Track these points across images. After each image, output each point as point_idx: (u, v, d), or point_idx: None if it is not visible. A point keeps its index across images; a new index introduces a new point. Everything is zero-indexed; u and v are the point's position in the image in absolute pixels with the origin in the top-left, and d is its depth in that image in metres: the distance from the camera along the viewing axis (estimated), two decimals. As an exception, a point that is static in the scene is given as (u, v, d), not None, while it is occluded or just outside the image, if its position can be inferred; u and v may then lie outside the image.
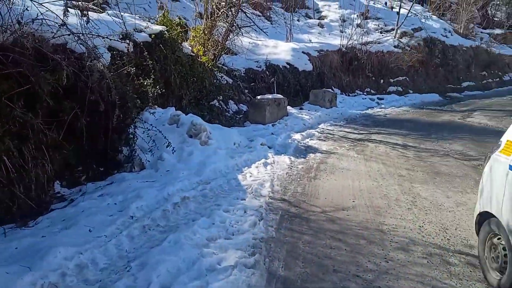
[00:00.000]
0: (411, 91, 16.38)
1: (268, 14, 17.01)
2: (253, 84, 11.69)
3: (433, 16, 19.94)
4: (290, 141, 7.66)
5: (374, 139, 8.52)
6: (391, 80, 16.15)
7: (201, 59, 8.50)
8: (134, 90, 5.34)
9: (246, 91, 11.38)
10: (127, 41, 5.99)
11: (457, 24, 20.46)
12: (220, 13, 8.87)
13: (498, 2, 24.41)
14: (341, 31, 16.22)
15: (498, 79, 19.54)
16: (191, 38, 8.99)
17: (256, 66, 12.21)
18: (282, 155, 6.65)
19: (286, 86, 12.40)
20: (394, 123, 10.73)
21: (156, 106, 6.55)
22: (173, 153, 5.59)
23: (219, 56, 9.60)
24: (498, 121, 10.81)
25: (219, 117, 9.46)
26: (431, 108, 13.84)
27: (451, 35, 18.57)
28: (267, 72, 12.23)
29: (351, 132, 9.25)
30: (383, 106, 13.79)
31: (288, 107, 10.38)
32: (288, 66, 12.80)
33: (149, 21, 7.55)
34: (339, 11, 18.22)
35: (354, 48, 15.32)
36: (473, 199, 4.38)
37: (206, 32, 8.93)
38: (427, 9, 21.04)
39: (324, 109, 11.43)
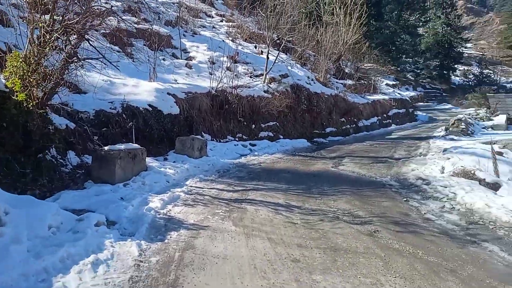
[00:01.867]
0: (281, 136, 15.56)
1: (130, 50, 14.76)
2: (105, 129, 9.17)
3: (297, 64, 20.10)
4: (145, 211, 5.42)
5: (253, 199, 6.81)
6: (262, 125, 15.12)
7: (17, 96, 5.84)
8: None
9: (96, 137, 8.82)
10: None
11: (317, 74, 20.97)
12: (52, 38, 6.40)
13: (349, 58, 26.23)
14: (211, 73, 14.78)
15: (354, 125, 20.34)
16: (8, 68, 6.28)
17: (110, 108, 9.74)
18: (129, 239, 4.37)
19: (148, 132, 10.15)
20: (270, 174, 9.30)
21: None
22: None
23: (53, 94, 6.99)
24: (368, 169, 10.21)
25: (50, 175, 6.74)
26: (303, 155, 12.98)
27: (314, 83, 18.78)
28: (124, 115, 9.85)
29: (225, 190, 7.41)
30: (256, 153, 12.45)
31: (148, 159, 8.14)
32: (150, 109, 10.61)
33: None
34: (208, 53, 16.89)
35: (225, 91, 13.93)
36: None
37: (32, 61, 6.34)
38: (290, 57, 21.23)
39: (193, 159, 9.46)
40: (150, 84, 11.79)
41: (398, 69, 45.15)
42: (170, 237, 4.70)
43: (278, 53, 17.69)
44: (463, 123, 15.89)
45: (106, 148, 7.11)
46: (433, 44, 48.26)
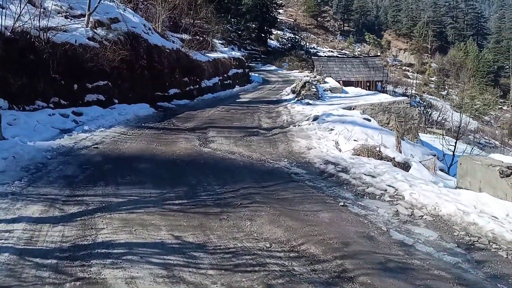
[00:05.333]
0: (116, 101, 11.44)
1: None
2: None
3: (128, 9, 15.57)
4: None
5: (109, 244, 3.32)
6: (89, 86, 10.66)
7: None
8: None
9: None
10: None
11: (152, 24, 16.89)
12: None
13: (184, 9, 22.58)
14: (1, 6, 9.36)
15: (197, 86, 17.39)
16: None
17: None
18: None
19: None
20: (120, 168, 5.70)
21: None
22: None
23: None
24: (248, 148, 7.63)
25: None
26: (153, 127, 9.47)
27: (152, 33, 14.82)
28: None
29: (45, 221, 3.62)
30: (86, 127, 8.33)
31: None
32: None
33: None
34: (-5, -24, 10.98)
35: (28, 35, 8.93)
36: None
37: None
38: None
39: (-28, 150, 5.03)
40: None
41: (222, 28, 43.60)
42: None
43: (105, -11, 12.97)
44: (313, 87, 14.85)
45: None
46: (252, 7, 48.26)
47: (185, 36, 21.10)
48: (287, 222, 4.05)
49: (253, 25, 50.65)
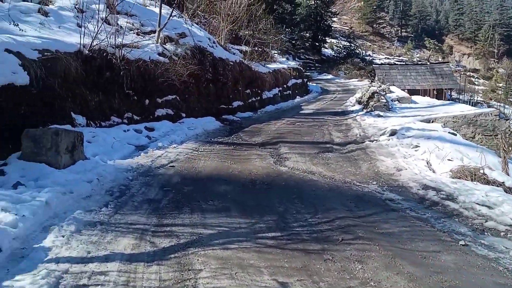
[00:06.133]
0: (184, 115, 11.37)
1: None
2: None
3: (193, 23, 15.68)
4: None
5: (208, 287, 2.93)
6: (159, 100, 10.67)
7: None
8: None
9: None
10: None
11: (216, 37, 16.91)
12: None
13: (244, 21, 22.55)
14: (80, 25, 9.59)
15: (259, 97, 17.11)
16: None
17: None
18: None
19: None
20: (202, 191, 5.37)
21: None
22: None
23: None
24: (327, 167, 7.04)
25: None
26: (222, 142, 9.19)
27: (216, 46, 14.78)
28: None
29: (138, 259, 3.30)
30: (159, 143, 8.19)
31: None
32: (-32, 77, 5.49)
33: None
34: (74, -3, 11.39)
35: (104, 52, 9.05)
36: None
37: None
38: (183, 15, 16.62)
39: (58, 172, 4.89)
40: (-32, 34, 6.42)
41: (276, 38, 43.37)
42: None
43: (174, 6, 13.08)
44: (383, 97, 13.93)
45: None
46: (306, 16, 47.66)
47: (245, 48, 21.01)
48: (407, 268, 3.40)
49: (307, 34, 50.05)
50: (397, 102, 15.96)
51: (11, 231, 3.29)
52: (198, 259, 3.35)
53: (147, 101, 10.19)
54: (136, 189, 5.17)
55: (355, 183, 6.08)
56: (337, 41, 57.93)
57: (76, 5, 11.03)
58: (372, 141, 9.01)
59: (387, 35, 69.30)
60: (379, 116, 12.28)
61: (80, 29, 9.18)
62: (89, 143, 6.94)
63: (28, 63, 6.64)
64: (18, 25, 7.35)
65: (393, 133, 9.38)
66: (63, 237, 3.50)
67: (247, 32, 22.77)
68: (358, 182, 6.10)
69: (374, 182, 6.09)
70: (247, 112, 14.61)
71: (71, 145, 5.47)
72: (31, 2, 10.52)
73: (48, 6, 10.63)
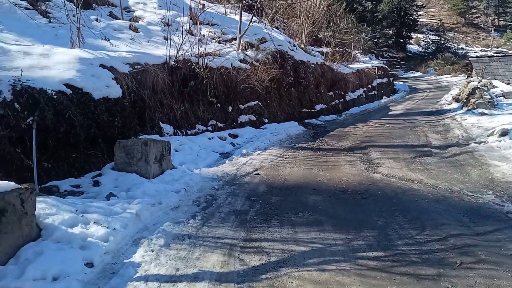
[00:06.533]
0: (266, 120, 11.20)
1: (45, 7, 9.56)
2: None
3: (273, 28, 15.57)
4: None
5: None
6: (242, 107, 10.63)
7: None
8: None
9: None
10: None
11: (295, 40, 16.57)
12: None
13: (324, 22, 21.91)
14: (166, 38, 9.97)
15: (342, 99, 16.35)
16: None
17: (-16, 94, 4.94)
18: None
19: (65, 133, 5.44)
20: (289, 201, 5.00)
21: None
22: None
23: None
24: (428, 173, 6.20)
25: None
26: (307, 148, 8.76)
27: (297, 49, 14.43)
28: (17, 105, 5.07)
29: (226, 280, 3.00)
30: (243, 150, 8.03)
31: (51, 201, 3.50)
32: (69, 91, 5.81)
33: None
34: (160, 12, 11.94)
35: (188, 62, 9.24)
36: None
37: None
38: (263, 21, 16.62)
39: (148, 182, 4.91)
40: (70, 52, 6.87)
41: (357, 38, 41.64)
42: None
43: (254, 13, 13.04)
44: (486, 93, 12.31)
45: None
46: (389, 12, 45.05)
47: (325, 50, 20.36)
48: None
49: (390, 31, 47.33)
50: (502, 97, 13.99)
51: (102, 245, 3.25)
52: (292, 282, 2.98)
53: (230, 108, 10.20)
54: (222, 199, 4.98)
55: (466, 192, 5.22)
56: (424, 36, 53.81)
57: (163, 19, 11.54)
58: (479, 143, 7.85)
59: (482, 26, 62.68)
60: (483, 114, 10.82)
61: (166, 41, 9.52)
62: (176, 151, 7.01)
63: (120, 76, 6.94)
64: (109, 40, 7.71)
65: (504, 133, 8.09)
66: (152, 251, 3.38)
67: (327, 33, 22.07)
68: (470, 192, 5.23)
69: (490, 192, 5.16)
70: (330, 115, 14.00)
71: (159, 154, 5.50)
72: (122, 19, 11.25)
73: (138, 22, 11.27)
